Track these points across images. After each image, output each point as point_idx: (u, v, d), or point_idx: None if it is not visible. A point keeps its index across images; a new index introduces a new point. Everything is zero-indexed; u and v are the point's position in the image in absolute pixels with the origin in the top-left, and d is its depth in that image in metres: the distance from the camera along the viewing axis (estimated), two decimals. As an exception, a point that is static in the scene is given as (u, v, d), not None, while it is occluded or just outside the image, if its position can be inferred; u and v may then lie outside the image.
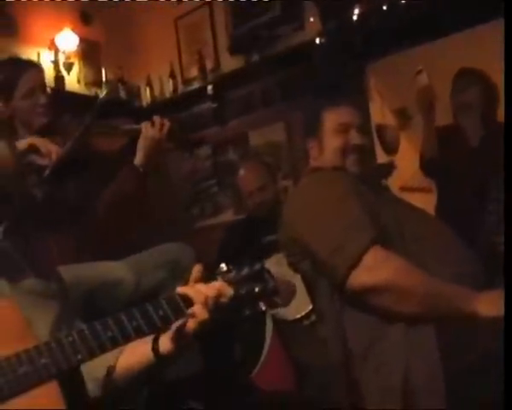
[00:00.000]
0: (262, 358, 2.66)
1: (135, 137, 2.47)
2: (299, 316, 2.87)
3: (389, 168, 3.05)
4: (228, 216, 4.55)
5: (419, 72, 3.30)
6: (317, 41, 4.01)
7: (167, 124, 2.46)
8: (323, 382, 2.23)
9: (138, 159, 2.45)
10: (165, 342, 1.34)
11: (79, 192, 2.47)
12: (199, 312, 1.29)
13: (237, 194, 3.66)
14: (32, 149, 2.21)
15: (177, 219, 4.66)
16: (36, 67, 2.62)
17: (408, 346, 1.77)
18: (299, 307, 2.87)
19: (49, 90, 2.69)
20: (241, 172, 3.52)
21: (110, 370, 1.40)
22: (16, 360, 1.10)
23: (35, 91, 2.47)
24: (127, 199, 2.48)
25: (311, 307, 2.76)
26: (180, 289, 1.32)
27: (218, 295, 1.32)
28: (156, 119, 2.45)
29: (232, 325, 1.39)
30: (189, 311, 1.29)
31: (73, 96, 4.32)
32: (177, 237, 3.46)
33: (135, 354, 1.30)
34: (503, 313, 1.49)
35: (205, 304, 1.29)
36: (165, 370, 1.87)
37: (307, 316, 2.85)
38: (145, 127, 2.43)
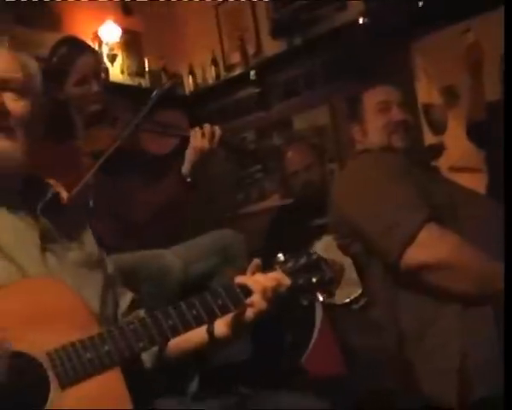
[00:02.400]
0: (312, 342, 2.66)
1: (185, 138, 2.42)
2: (348, 300, 2.85)
3: (439, 149, 2.99)
4: (273, 201, 4.54)
5: (466, 30, 3.23)
6: (360, 21, 3.96)
7: (218, 133, 2.38)
8: (374, 365, 2.22)
9: (186, 169, 2.38)
10: (221, 327, 1.35)
11: (125, 186, 2.47)
12: (257, 302, 1.29)
13: (283, 174, 3.65)
14: None
15: (223, 206, 4.67)
16: (91, 51, 2.59)
17: (464, 328, 1.75)
18: (347, 290, 2.85)
19: (103, 75, 2.67)
20: (288, 152, 3.55)
21: (163, 344, 1.41)
22: (81, 347, 1.12)
23: (89, 78, 2.45)
24: (173, 207, 2.46)
25: (360, 291, 2.74)
26: (238, 279, 1.33)
27: (277, 286, 1.32)
28: (206, 127, 2.37)
29: (284, 311, 1.39)
30: (248, 301, 1.30)
31: (118, 86, 4.36)
32: (222, 223, 3.49)
33: (189, 333, 1.31)
34: None
35: (263, 294, 1.30)
36: (215, 353, 1.89)
37: (356, 300, 2.83)
38: (194, 137, 2.36)
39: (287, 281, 1.35)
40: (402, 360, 1.93)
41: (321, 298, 1.41)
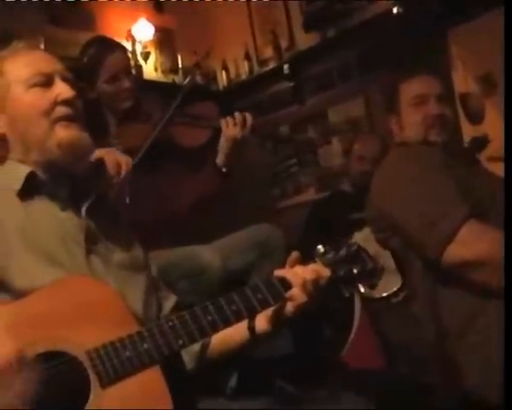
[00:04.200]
0: (351, 337, 2.64)
1: (218, 129, 2.42)
2: (386, 294, 2.82)
3: (483, 142, 2.92)
4: (309, 195, 4.53)
5: None
6: (394, 10, 3.90)
7: (250, 120, 2.37)
8: (415, 359, 2.19)
9: (220, 159, 2.39)
10: (262, 322, 1.34)
11: (162, 182, 2.48)
12: (297, 295, 1.28)
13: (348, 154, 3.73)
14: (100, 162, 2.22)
15: (259, 201, 4.66)
16: (121, 49, 2.61)
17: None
18: (386, 284, 2.82)
19: (133, 72, 2.68)
20: (362, 136, 3.75)
21: (205, 344, 1.42)
22: (120, 345, 1.12)
23: (119, 75, 2.47)
24: (211, 198, 2.47)
25: (399, 284, 2.71)
26: (278, 273, 1.32)
27: (317, 278, 1.30)
28: (238, 115, 2.36)
29: (326, 304, 1.37)
30: (288, 294, 1.28)
31: (152, 84, 4.38)
32: (259, 218, 3.48)
33: (230, 331, 1.30)
34: None
35: (303, 287, 1.28)
36: (255, 349, 1.89)
37: (395, 294, 2.80)
38: (226, 126, 2.36)
39: (327, 273, 1.33)
40: (442, 355, 1.90)
41: (362, 289, 1.39)
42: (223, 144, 2.38)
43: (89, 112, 2.45)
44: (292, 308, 1.29)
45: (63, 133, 1.37)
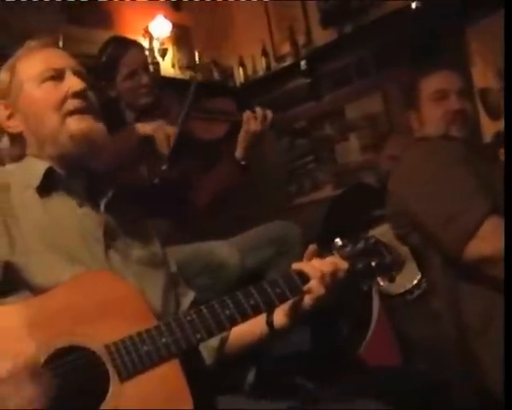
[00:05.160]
0: (369, 333, 2.63)
1: (235, 123, 2.44)
2: (403, 290, 2.81)
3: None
4: (326, 192, 4.51)
5: None
6: (413, 6, 3.87)
7: (270, 116, 2.38)
8: (434, 356, 2.18)
9: (239, 153, 2.41)
10: (280, 317, 1.34)
11: (182, 177, 2.50)
12: (315, 288, 1.27)
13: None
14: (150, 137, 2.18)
15: (276, 197, 4.66)
16: (137, 46, 2.64)
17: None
18: (405, 280, 2.81)
19: (151, 69, 2.71)
20: (395, 135, 3.74)
21: (223, 340, 1.42)
22: (139, 340, 1.12)
23: (137, 71, 2.49)
24: (229, 192, 2.49)
25: (416, 280, 2.70)
26: (295, 266, 1.31)
27: (334, 271, 1.29)
28: (258, 111, 2.37)
29: (344, 298, 1.36)
30: (306, 287, 1.28)
31: (169, 80, 4.39)
32: (276, 215, 3.48)
33: (248, 326, 1.30)
34: None
35: (321, 280, 1.27)
36: (275, 343, 1.88)
37: (413, 290, 2.78)
38: (246, 120, 2.36)
39: (345, 265, 1.32)
40: (462, 352, 1.88)
41: (381, 283, 1.38)
42: (242, 138, 2.39)
43: (109, 110, 2.50)
44: (310, 301, 1.28)
45: (75, 125, 1.38)
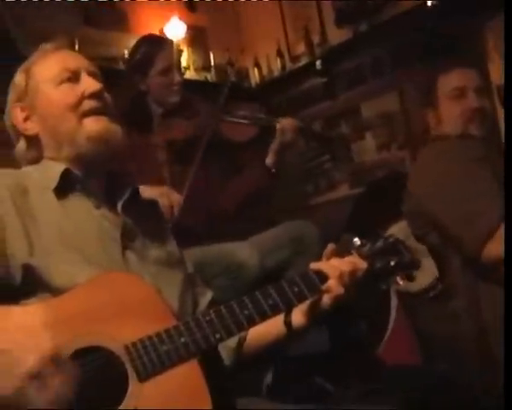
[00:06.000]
0: (388, 333, 2.61)
1: (263, 127, 2.48)
2: (421, 288, 2.79)
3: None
4: (343, 191, 4.50)
5: None
6: (429, 3, 3.84)
7: (299, 125, 2.48)
8: (453, 356, 2.16)
9: (271, 160, 2.47)
10: (298, 316, 1.34)
11: (210, 176, 2.51)
12: (334, 287, 1.26)
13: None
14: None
15: (293, 197, 4.65)
16: (173, 45, 2.67)
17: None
18: (423, 279, 2.79)
19: (183, 69, 2.74)
20: None
21: (241, 340, 1.42)
22: (157, 340, 1.12)
23: (171, 69, 2.53)
24: (257, 196, 2.53)
25: (434, 278, 2.67)
26: (314, 265, 1.30)
27: (353, 270, 1.29)
28: (293, 122, 2.46)
29: (363, 297, 1.35)
30: (324, 286, 1.27)
31: (185, 82, 4.39)
32: (292, 214, 3.47)
33: (266, 326, 1.29)
34: None
35: (340, 279, 1.27)
36: (293, 344, 1.87)
37: (431, 289, 2.76)
38: (282, 131, 2.44)
39: (363, 265, 1.32)
40: (483, 351, 1.86)
41: (400, 282, 1.37)
42: (276, 147, 2.46)
43: (137, 103, 2.53)
44: (328, 300, 1.28)
45: (92, 126, 1.39)
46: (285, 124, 2.44)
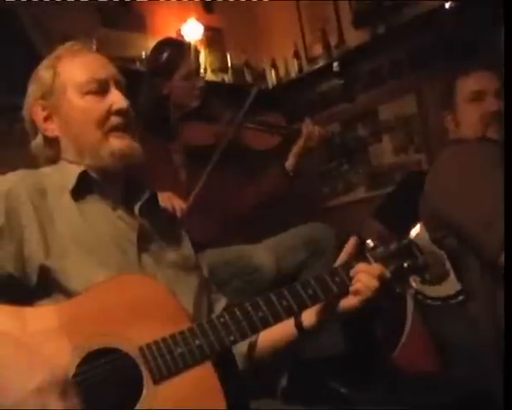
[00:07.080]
0: (404, 338, 2.59)
1: (286, 136, 2.49)
2: (445, 295, 2.76)
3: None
4: (360, 193, 4.48)
5: None
6: (447, 6, 3.81)
7: (326, 134, 2.51)
8: (471, 362, 2.13)
9: (291, 164, 2.50)
10: (310, 316, 1.33)
11: (229, 180, 2.52)
12: (364, 290, 1.27)
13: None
14: None
15: (309, 199, 4.63)
16: (196, 51, 2.72)
17: None
18: (444, 285, 2.76)
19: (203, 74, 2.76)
20: None
21: (252, 345, 1.41)
22: (172, 342, 1.12)
23: (194, 73, 2.55)
24: (275, 199, 2.55)
25: (459, 287, 2.65)
26: (341, 265, 1.31)
27: (382, 274, 1.29)
28: (316, 128, 2.47)
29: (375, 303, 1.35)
30: (351, 288, 1.28)
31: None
32: (309, 216, 3.46)
33: (277, 329, 1.29)
34: None
35: (370, 282, 1.27)
36: (304, 346, 1.86)
37: (455, 296, 2.73)
38: (308, 136, 2.46)
39: (386, 273, 1.31)
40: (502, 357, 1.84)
41: (414, 284, 1.36)
42: (298, 151, 2.49)
43: (157, 107, 2.55)
44: (357, 303, 1.28)
45: (117, 144, 1.39)
46: (312, 130, 2.45)
